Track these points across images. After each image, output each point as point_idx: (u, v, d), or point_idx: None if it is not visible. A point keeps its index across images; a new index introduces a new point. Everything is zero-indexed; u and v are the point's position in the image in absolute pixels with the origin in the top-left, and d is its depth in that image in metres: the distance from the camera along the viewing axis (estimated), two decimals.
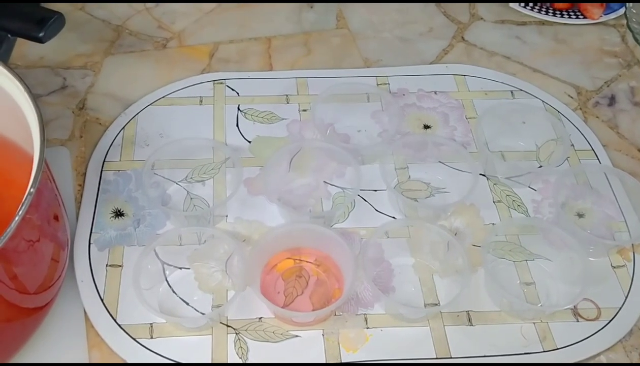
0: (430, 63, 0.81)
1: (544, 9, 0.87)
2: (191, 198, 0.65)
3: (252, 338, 0.56)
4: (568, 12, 0.87)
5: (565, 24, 0.86)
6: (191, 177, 0.66)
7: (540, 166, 0.70)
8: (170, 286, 0.59)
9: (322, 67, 0.79)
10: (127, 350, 0.55)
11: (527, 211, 0.66)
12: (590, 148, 0.72)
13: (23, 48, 0.77)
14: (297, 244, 0.61)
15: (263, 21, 0.85)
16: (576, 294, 0.56)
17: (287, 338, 0.56)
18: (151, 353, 0.55)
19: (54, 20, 0.62)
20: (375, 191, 0.67)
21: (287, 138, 0.71)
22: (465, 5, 0.89)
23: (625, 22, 0.84)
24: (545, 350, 0.56)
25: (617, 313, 0.59)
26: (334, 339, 0.56)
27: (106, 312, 0.56)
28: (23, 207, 0.43)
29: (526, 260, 0.62)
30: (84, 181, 0.66)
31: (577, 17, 0.86)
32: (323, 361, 0.55)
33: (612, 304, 0.59)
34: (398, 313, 0.57)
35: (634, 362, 0.57)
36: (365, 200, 0.66)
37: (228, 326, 0.56)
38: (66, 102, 0.73)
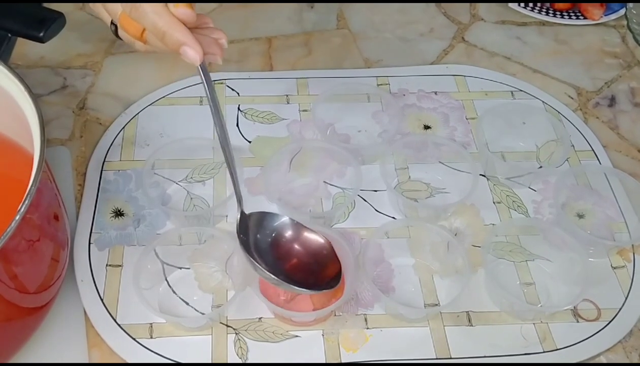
0: (431, 63, 0.81)
1: (544, 10, 0.87)
2: (191, 198, 0.65)
3: (252, 338, 0.56)
4: (568, 12, 0.87)
5: (565, 24, 0.86)
6: (191, 177, 0.66)
7: (541, 167, 0.70)
8: (170, 286, 0.59)
9: (322, 67, 0.79)
10: (127, 349, 0.55)
11: (527, 212, 0.66)
12: (591, 149, 0.72)
13: (23, 48, 0.77)
14: None
15: (264, 21, 0.85)
16: (576, 295, 0.56)
17: (287, 338, 0.56)
18: (151, 353, 0.54)
19: (55, 20, 0.62)
20: (376, 191, 0.67)
21: (287, 138, 0.71)
22: (466, 5, 0.89)
23: (625, 22, 0.84)
24: (545, 350, 0.56)
25: (617, 313, 0.59)
26: (334, 339, 0.56)
27: (106, 312, 0.56)
28: (23, 206, 0.43)
29: (526, 261, 0.62)
30: (84, 181, 0.66)
31: (577, 18, 0.86)
32: (323, 361, 0.55)
33: (612, 305, 0.59)
34: (398, 313, 0.57)
35: (634, 363, 0.57)
36: (365, 200, 0.66)
37: (228, 326, 0.56)
38: (66, 102, 0.73)
